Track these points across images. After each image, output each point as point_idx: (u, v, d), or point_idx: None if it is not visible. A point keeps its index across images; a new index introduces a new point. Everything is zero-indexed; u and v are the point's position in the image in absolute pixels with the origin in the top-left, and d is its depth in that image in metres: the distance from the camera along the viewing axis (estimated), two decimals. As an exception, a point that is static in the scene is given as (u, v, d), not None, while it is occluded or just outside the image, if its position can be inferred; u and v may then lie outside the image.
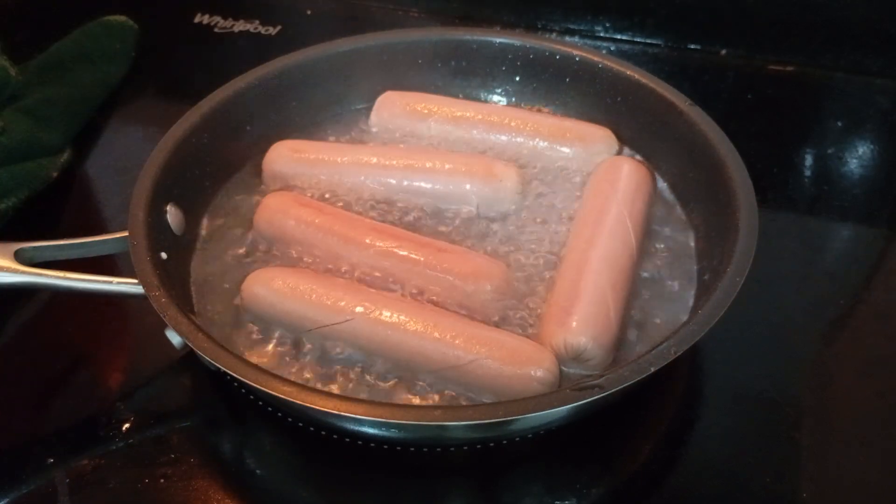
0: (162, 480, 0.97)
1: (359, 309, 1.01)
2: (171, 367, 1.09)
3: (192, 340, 0.91)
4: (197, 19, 1.83)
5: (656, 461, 1.01)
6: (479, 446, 0.99)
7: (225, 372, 0.89)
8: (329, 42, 1.39)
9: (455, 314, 1.04)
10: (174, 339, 0.98)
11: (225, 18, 1.83)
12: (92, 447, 1.01)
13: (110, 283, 1.01)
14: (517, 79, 1.42)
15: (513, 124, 1.31)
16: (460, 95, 1.42)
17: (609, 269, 1.05)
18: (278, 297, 1.04)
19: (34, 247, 1.04)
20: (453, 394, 0.98)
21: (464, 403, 0.97)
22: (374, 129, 1.37)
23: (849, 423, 1.04)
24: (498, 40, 1.40)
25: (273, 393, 0.86)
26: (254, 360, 1.02)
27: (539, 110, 1.40)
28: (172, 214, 1.12)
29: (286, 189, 1.25)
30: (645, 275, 1.13)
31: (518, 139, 1.30)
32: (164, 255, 1.05)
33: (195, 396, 1.08)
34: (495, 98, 1.44)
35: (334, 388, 1.00)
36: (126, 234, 1.03)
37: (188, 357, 1.07)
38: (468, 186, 1.20)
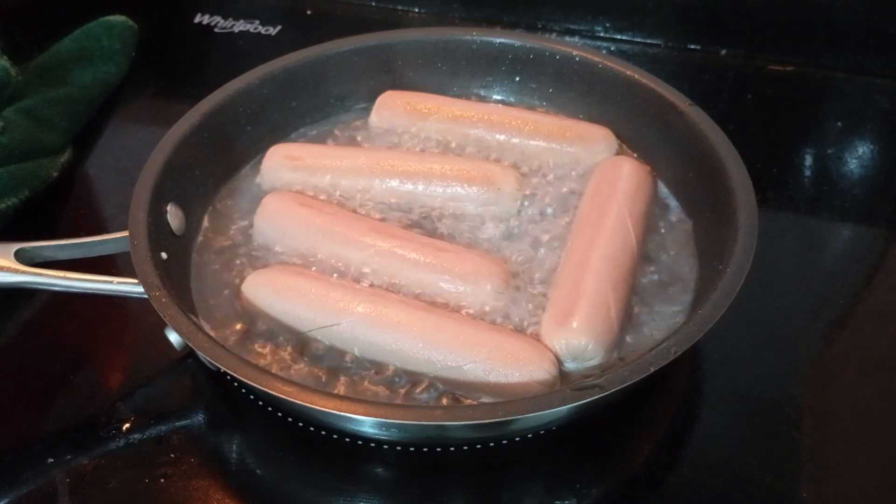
0: (162, 480, 0.97)
1: (358, 309, 1.01)
2: (171, 367, 1.09)
3: (192, 340, 0.91)
4: (197, 19, 1.83)
5: (656, 461, 1.01)
6: (479, 446, 0.99)
7: (225, 372, 0.89)
8: (329, 42, 1.39)
9: (455, 314, 1.04)
10: (174, 339, 0.99)
11: (225, 18, 1.82)
12: (92, 447, 1.01)
13: (110, 283, 1.01)
14: (517, 79, 1.42)
15: (513, 124, 1.31)
16: (460, 95, 1.42)
17: (610, 269, 1.05)
18: (278, 298, 1.04)
19: (34, 247, 1.04)
20: (453, 394, 0.98)
21: (464, 403, 0.97)
22: (374, 129, 1.37)
23: (849, 423, 1.04)
24: (498, 40, 1.40)
25: (273, 393, 0.86)
26: (254, 360, 1.02)
27: (539, 110, 1.40)
28: (172, 214, 1.12)
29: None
30: (645, 275, 1.13)
31: (518, 139, 1.30)
32: (164, 255, 1.05)
33: (195, 396, 1.08)
34: (495, 98, 1.44)
35: (334, 389, 1.00)
36: (126, 234, 1.03)
37: (188, 357, 1.08)
38: (467, 191, 1.19)
